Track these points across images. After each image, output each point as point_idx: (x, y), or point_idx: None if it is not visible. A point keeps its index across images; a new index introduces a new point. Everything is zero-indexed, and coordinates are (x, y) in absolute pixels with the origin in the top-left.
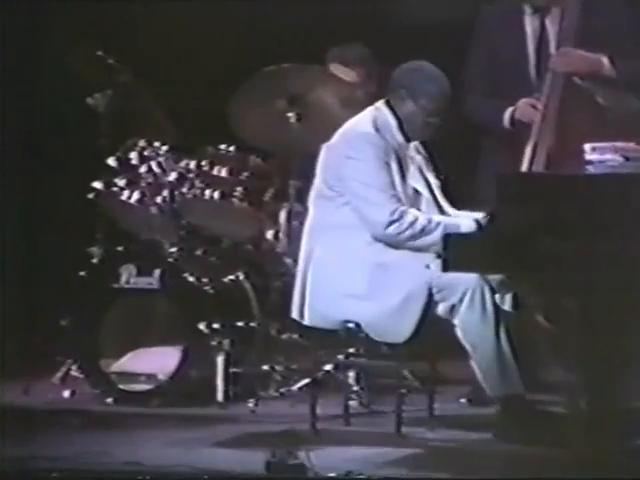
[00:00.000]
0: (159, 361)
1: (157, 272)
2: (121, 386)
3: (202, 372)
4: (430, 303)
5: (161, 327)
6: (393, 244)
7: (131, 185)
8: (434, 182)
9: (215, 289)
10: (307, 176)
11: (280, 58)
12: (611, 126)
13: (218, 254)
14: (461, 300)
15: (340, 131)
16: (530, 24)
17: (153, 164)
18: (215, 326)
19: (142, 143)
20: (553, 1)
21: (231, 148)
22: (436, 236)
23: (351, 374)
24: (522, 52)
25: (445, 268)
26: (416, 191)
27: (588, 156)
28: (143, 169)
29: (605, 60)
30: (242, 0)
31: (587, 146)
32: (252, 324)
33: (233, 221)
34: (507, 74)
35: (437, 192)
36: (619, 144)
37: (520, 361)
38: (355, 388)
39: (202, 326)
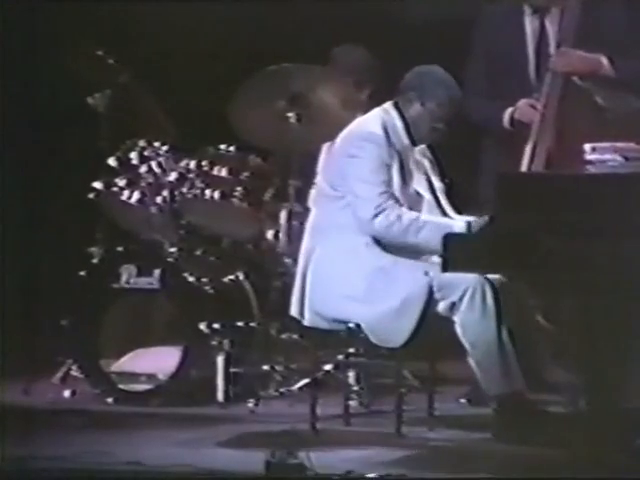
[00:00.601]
0: (159, 361)
1: (157, 272)
2: (121, 386)
3: (202, 372)
4: (428, 308)
5: (161, 327)
6: (386, 241)
7: (131, 185)
8: (439, 186)
9: (215, 289)
10: (307, 176)
11: (280, 58)
12: (610, 126)
13: (218, 254)
14: (461, 298)
15: (346, 130)
16: (530, 24)
17: (153, 164)
18: (215, 326)
19: (142, 143)
20: (553, 1)
21: (231, 148)
22: (426, 234)
23: (351, 374)
24: (522, 52)
25: (445, 268)
26: (418, 194)
27: (588, 156)
28: (143, 169)
29: (604, 60)
30: (242, 0)
31: (587, 146)
32: (252, 324)
33: (233, 221)
34: (507, 74)
35: (441, 196)
36: (619, 144)
37: (520, 360)
38: (355, 388)
39: (202, 326)
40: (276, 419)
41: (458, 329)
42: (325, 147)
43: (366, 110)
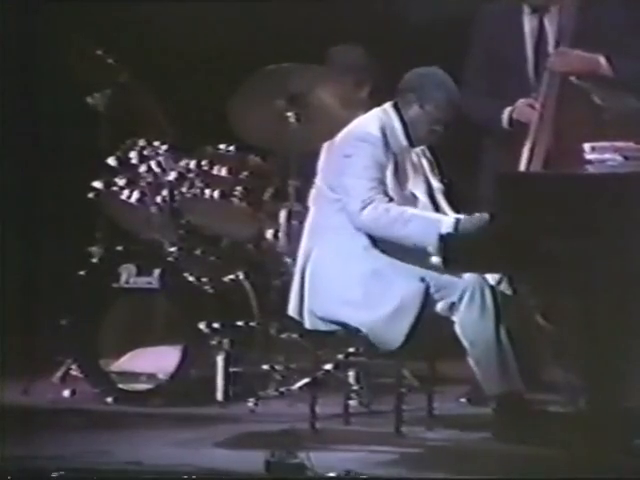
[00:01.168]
0: (159, 360)
1: (157, 272)
2: (121, 385)
3: (202, 372)
4: (422, 314)
5: (161, 327)
6: (376, 235)
7: (131, 185)
8: (438, 186)
9: (215, 289)
10: (306, 176)
11: (280, 58)
12: (608, 126)
13: (218, 254)
14: (461, 298)
15: (344, 131)
16: (528, 24)
17: (153, 164)
18: (215, 325)
19: (142, 143)
20: (551, 1)
21: (231, 148)
22: (414, 227)
23: (351, 373)
24: (520, 52)
25: (445, 268)
26: (413, 196)
27: (587, 155)
28: (143, 169)
29: (602, 60)
30: (242, 0)
31: (586, 146)
32: (252, 324)
33: (233, 220)
34: (506, 74)
35: (440, 197)
36: (618, 144)
37: (519, 360)
38: (355, 387)
39: (202, 325)
40: (276, 419)
41: (457, 329)
42: (325, 146)
43: (366, 109)
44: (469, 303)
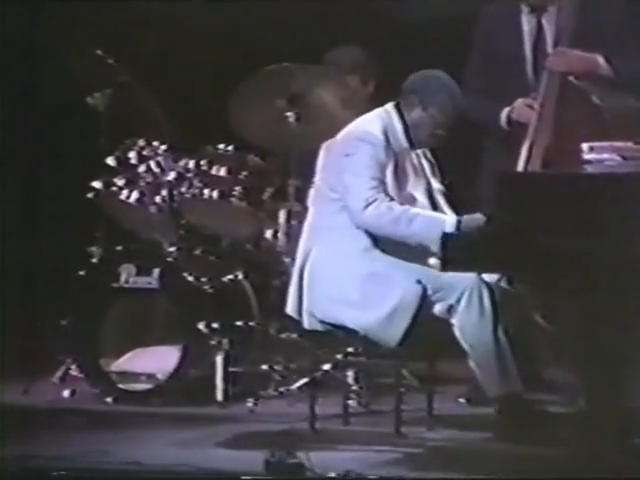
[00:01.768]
0: (158, 360)
1: (156, 271)
2: (121, 385)
3: (201, 371)
4: (418, 316)
5: (160, 326)
6: (378, 232)
7: (130, 184)
8: (438, 187)
9: (214, 288)
10: (306, 175)
11: (280, 58)
12: (607, 126)
13: (217, 253)
14: (459, 300)
15: (345, 130)
16: (527, 23)
17: (152, 163)
18: (214, 325)
19: (141, 142)
20: (550, 0)
21: (230, 147)
22: (417, 226)
23: (350, 373)
24: (519, 52)
25: (444, 267)
26: (413, 197)
27: (586, 155)
28: (142, 168)
29: (601, 59)
30: (242, 0)
31: (585, 146)
32: (251, 323)
33: (232, 220)
34: (504, 74)
35: (440, 198)
36: (617, 144)
37: (519, 360)
38: (354, 387)
39: (201, 325)
40: (275, 419)
41: (457, 332)
42: (324, 146)
43: (365, 110)
44: (467, 305)
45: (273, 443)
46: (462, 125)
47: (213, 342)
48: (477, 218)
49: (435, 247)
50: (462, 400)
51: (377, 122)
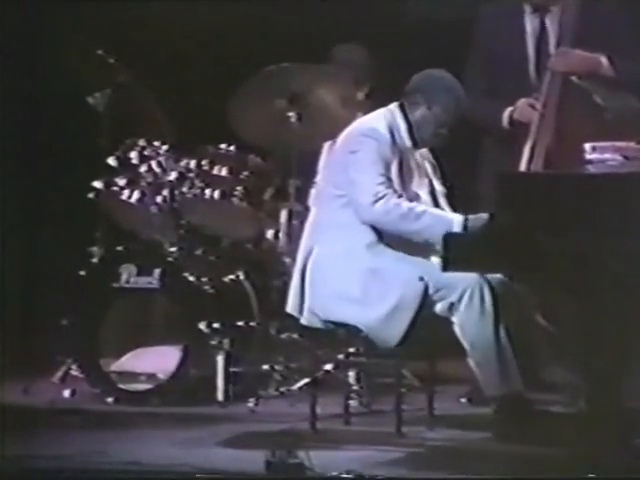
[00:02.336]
0: (159, 360)
1: (157, 271)
2: (121, 385)
3: (202, 371)
4: (420, 313)
5: (161, 326)
6: (384, 228)
7: (131, 184)
8: (440, 189)
9: (215, 288)
10: (307, 175)
11: (280, 58)
12: (610, 126)
13: (218, 253)
14: (460, 298)
15: (348, 129)
16: (530, 23)
17: (153, 163)
18: (215, 325)
19: (142, 142)
20: (553, 0)
21: (231, 147)
22: (424, 223)
23: (351, 373)
24: (522, 52)
25: (445, 267)
26: (417, 195)
27: (588, 155)
28: (143, 168)
29: (604, 60)
30: (242, 0)
31: (587, 145)
32: (252, 323)
33: (233, 220)
34: (506, 74)
35: (442, 199)
36: (619, 144)
37: (519, 360)
38: (355, 387)
39: (202, 325)
40: (276, 419)
41: (457, 330)
42: (326, 146)
43: (366, 110)
44: (468, 303)
45: (274, 443)
46: (464, 125)
47: (214, 342)
48: (482, 218)
49: (440, 245)
50: (463, 400)
51: (381, 120)
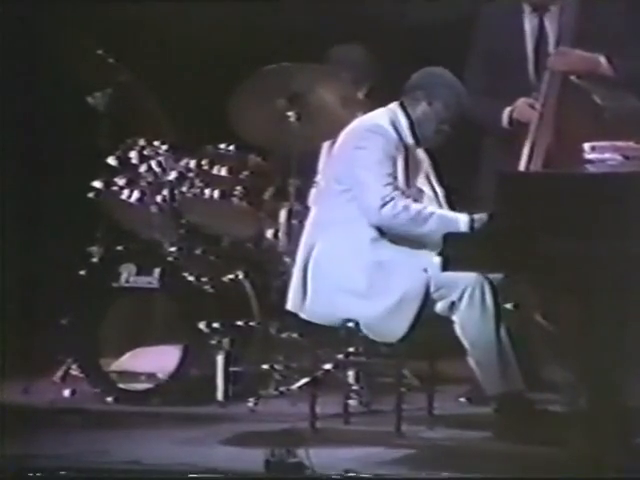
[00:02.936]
0: (159, 360)
1: (157, 271)
2: (121, 385)
3: (202, 371)
4: (426, 304)
5: (161, 326)
6: (392, 230)
7: (131, 184)
8: (439, 190)
9: (215, 288)
10: (307, 175)
11: (280, 58)
12: (609, 125)
13: (218, 253)
14: (461, 297)
15: (350, 126)
16: (529, 23)
17: (153, 163)
18: (215, 325)
19: (142, 142)
20: (552, 0)
21: (231, 147)
22: (432, 225)
23: (351, 373)
24: (521, 51)
25: (445, 267)
26: (420, 191)
27: (588, 155)
28: (143, 168)
29: (603, 59)
30: (242, 0)
31: (587, 145)
32: (252, 323)
33: (233, 220)
34: (506, 73)
35: (441, 200)
36: (618, 143)
37: (519, 359)
38: (355, 387)
39: (202, 325)
40: (276, 418)
41: (457, 329)
42: (325, 146)
43: (365, 110)
44: (469, 302)
45: (273, 442)
46: (464, 124)
47: (214, 342)
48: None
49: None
50: (463, 399)
51: (384, 117)
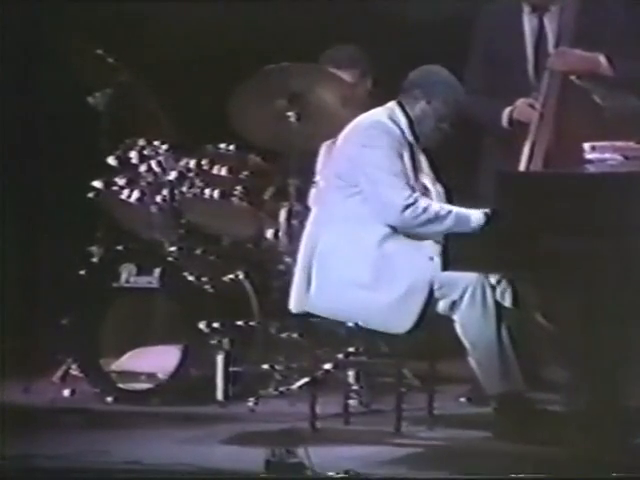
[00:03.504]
0: (159, 360)
1: (157, 271)
2: (121, 385)
3: (202, 371)
4: (433, 294)
5: (161, 326)
6: (406, 229)
7: (131, 184)
8: (439, 189)
9: (215, 288)
10: (307, 175)
11: (280, 58)
12: (609, 125)
13: (218, 253)
14: (462, 296)
15: (351, 125)
16: (529, 23)
17: (153, 163)
18: (215, 325)
19: (142, 142)
20: (552, 0)
21: (231, 147)
22: (448, 224)
23: (351, 373)
24: (521, 51)
25: (445, 267)
26: (425, 187)
27: (588, 155)
28: (143, 168)
29: (602, 59)
30: (242, 0)
31: (587, 145)
32: (252, 323)
33: (233, 220)
34: (506, 73)
35: (442, 198)
36: (618, 143)
37: (519, 359)
38: (355, 387)
39: (202, 325)
40: (276, 418)
41: (458, 328)
42: (324, 146)
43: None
44: (470, 301)
45: (274, 442)
46: (463, 124)
47: (214, 342)
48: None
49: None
50: (463, 399)
51: (384, 114)
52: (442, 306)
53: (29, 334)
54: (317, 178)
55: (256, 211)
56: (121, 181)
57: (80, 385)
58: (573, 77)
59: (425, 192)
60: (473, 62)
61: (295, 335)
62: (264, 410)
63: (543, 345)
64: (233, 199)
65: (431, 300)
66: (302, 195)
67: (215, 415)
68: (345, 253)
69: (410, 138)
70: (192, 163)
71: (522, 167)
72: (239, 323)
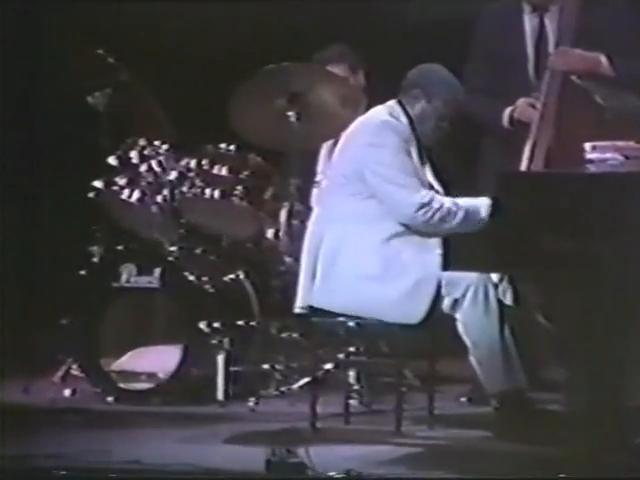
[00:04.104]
0: (159, 360)
1: (157, 271)
2: (121, 385)
3: (202, 371)
4: (441, 288)
5: (161, 326)
6: (419, 227)
7: (131, 184)
8: (439, 188)
9: (215, 288)
10: (307, 174)
11: (280, 58)
12: (609, 125)
13: (218, 253)
14: (464, 295)
15: (354, 125)
16: (529, 23)
17: (153, 163)
18: (215, 325)
19: (142, 142)
20: (552, 0)
21: (231, 147)
22: (458, 219)
23: (351, 373)
24: (521, 51)
25: (445, 267)
26: (430, 185)
27: (588, 155)
28: (143, 168)
29: (603, 59)
30: (242, 0)
31: (587, 145)
32: (252, 323)
33: (233, 220)
34: (506, 73)
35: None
36: (619, 143)
37: (521, 358)
38: (355, 387)
39: (202, 325)
40: (276, 418)
41: (460, 326)
42: (325, 146)
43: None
44: (473, 300)
45: (274, 442)
46: (464, 124)
47: (214, 341)
48: None
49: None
50: (463, 399)
51: (386, 112)
52: (446, 304)
53: (29, 334)
54: (319, 178)
55: (256, 211)
56: (121, 181)
57: (80, 385)
58: (574, 77)
59: (429, 189)
60: (474, 62)
61: (295, 335)
62: (265, 410)
63: (543, 345)
64: (233, 199)
65: (440, 293)
66: (302, 195)
67: (216, 415)
68: (352, 249)
69: (414, 135)
70: (192, 163)
71: (523, 167)
72: (239, 323)
